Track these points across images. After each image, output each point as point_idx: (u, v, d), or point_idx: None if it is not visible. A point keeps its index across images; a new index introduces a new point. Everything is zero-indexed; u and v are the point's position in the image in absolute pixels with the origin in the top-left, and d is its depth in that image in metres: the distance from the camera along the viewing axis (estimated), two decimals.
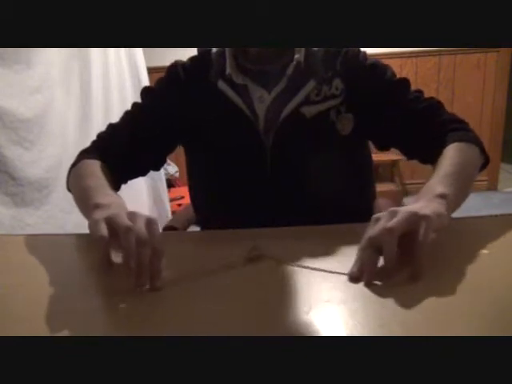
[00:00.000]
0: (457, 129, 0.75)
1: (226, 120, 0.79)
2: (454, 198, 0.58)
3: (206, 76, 0.80)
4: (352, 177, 0.84)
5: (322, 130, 0.78)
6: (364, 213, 0.67)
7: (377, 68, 0.81)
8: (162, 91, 0.85)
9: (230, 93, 0.78)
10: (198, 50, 0.87)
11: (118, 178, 0.80)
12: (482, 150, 0.73)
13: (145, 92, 0.86)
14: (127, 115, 0.85)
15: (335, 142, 0.79)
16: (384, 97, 0.79)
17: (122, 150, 0.81)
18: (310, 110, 0.77)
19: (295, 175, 0.80)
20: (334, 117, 0.78)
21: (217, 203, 0.85)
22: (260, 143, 0.78)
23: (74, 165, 0.80)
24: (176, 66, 0.85)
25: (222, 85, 0.78)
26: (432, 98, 0.79)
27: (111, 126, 0.85)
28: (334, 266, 0.54)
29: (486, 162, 0.75)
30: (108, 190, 0.67)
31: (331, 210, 0.74)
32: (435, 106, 0.78)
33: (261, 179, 0.79)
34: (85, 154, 0.81)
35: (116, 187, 0.77)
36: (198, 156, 0.88)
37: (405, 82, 0.81)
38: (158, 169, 0.90)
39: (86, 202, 0.64)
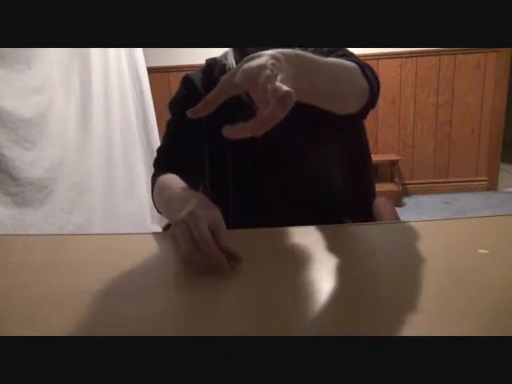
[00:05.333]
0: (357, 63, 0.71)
1: (229, 107, 0.82)
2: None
3: (212, 76, 0.88)
4: (348, 172, 0.85)
5: (303, 111, 0.80)
6: (364, 213, 0.67)
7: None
8: (185, 100, 0.88)
9: None
10: (206, 61, 0.93)
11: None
12: (370, 87, 0.70)
13: (171, 105, 0.92)
14: (168, 135, 0.91)
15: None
16: None
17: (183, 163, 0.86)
18: None
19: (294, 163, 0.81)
20: None
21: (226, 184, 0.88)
22: None
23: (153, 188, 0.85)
24: (189, 76, 0.91)
25: None
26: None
27: (161, 148, 0.91)
28: (333, 267, 0.54)
29: (370, 99, 0.71)
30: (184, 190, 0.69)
31: (330, 207, 0.74)
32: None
33: (260, 165, 0.82)
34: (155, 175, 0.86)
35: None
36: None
37: (368, 67, 0.79)
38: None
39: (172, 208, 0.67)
